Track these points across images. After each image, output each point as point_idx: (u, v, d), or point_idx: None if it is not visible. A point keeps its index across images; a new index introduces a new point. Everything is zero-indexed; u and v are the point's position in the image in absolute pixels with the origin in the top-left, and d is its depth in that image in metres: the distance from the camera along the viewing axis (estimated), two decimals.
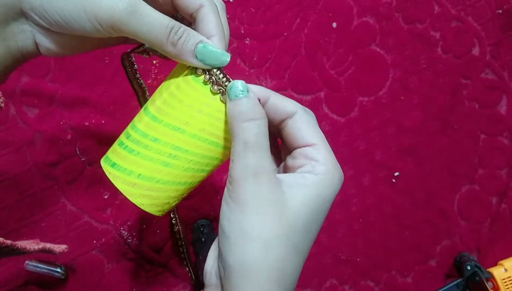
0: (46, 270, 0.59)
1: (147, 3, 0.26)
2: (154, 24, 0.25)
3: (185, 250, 0.62)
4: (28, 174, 0.63)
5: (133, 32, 0.25)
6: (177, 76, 0.28)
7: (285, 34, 0.67)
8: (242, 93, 0.26)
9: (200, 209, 0.65)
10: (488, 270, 0.64)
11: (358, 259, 0.66)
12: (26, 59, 0.28)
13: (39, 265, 0.59)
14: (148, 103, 0.29)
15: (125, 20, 0.24)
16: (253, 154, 0.24)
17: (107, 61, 0.65)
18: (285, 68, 0.67)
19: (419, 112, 0.68)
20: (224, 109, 0.27)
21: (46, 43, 0.27)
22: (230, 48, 0.67)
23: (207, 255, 0.56)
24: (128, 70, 0.36)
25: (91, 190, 0.62)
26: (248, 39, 0.67)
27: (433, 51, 0.68)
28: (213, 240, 0.42)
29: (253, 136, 0.25)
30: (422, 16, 0.68)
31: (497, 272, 0.64)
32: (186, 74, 0.27)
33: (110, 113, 0.65)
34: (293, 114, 0.26)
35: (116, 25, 0.24)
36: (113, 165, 0.29)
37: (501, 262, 0.65)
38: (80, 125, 0.65)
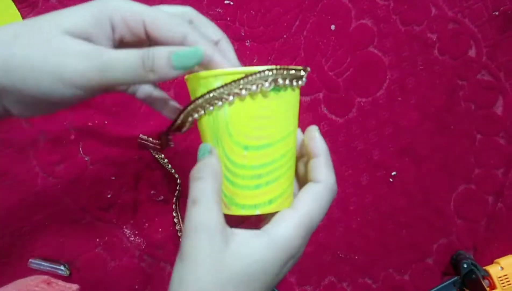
0: (49, 268, 0.60)
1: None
2: (127, 64, 0.25)
3: None
4: (31, 173, 0.64)
5: (112, 82, 0.25)
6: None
7: (285, 36, 0.68)
8: (203, 155, 0.29)
9: None
10: (484, 268, 0.65)
11: (356, 257, 0.67)
12: None
13: (43, 263, 0.60)
14: (241, 139, 0.30)
15: (100, 76, 0.24)
16: (196, 211, 0.26)
17: None
18: None
19: (416, 112, 0.69)
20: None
21: (17, 109, 0.27)
22: None
23: None
24: (160, 159, 0.41)
25: (94, 189, 0.63)
26: (248, 41, 0.68)
27: (430, 53, 0.69)
28: None
29: (198, 193, 0.27)
30: (419, 18, 0.69)
31: (493, 270, 0.65)
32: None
33: (113, 114, 0.66)
34: None
35: (94, 82, 0.25)
36: (270, 201, 0.32)
37: (497, 260, 0.66)
38: (83, 126, 0.66)
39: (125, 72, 0.25)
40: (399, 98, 0.69)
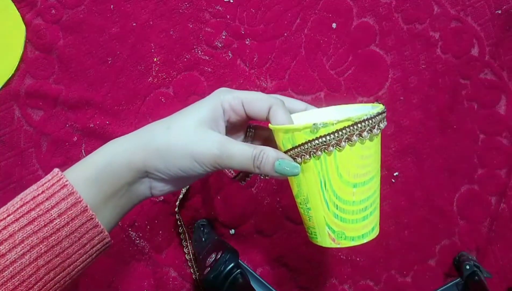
0: None
1: (227, 130, 0.36)
2: (242, 157, 0.33)
3: (190, 251, 0.63)
4: (34, 176, 0.64)
5: (229, 167, 0.33)
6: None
7: (285, 34, 0.68)
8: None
9: (200, 209, 0.65)
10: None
11: (357, 259, 0.67)
12: (140, 202, 0.36)
13: None
14: (351, 179, 0.32)
15: (222, 161, 0.33)
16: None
17: (110, 62, 0.65)
18: (285, 68, 0.67)
19: (418, 112, 0.68)
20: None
21: (160, 187, 0.36)
22: (230, 49, 0.68)
23: (207, 254, 0.57)
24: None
25: None
26: (248, 39, 0.67)
27: (432, 52, 0.68)
28: (213, 240, 0.46)
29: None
30: (422, 17, 0.68)
31: None
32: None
33: (115, 114, 0.65)
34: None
35: (217, 164, 0.33)
36: (373, 228, 0.34)
37: None
38: (85, 127, 0.65)
39: (239, 163, 0.33)
40: (401, 98, 0.68)
